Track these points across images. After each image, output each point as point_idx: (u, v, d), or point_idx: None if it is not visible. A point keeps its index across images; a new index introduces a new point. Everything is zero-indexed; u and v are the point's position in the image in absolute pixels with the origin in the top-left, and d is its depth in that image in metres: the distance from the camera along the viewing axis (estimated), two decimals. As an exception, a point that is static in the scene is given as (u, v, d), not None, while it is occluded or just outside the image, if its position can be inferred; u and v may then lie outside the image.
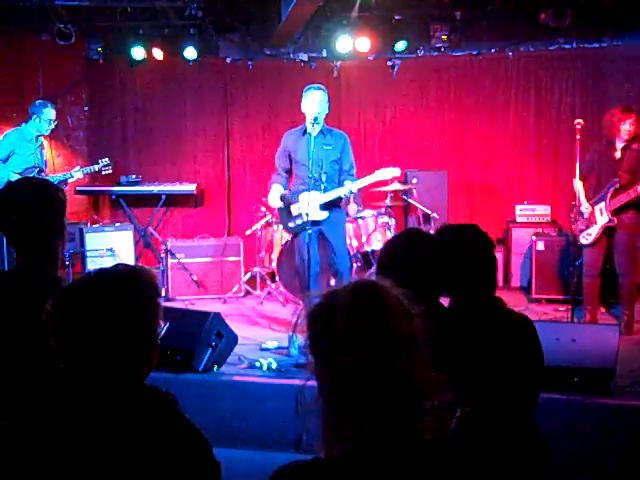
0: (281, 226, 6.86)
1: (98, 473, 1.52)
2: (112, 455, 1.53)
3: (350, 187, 5.43)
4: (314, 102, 5.43)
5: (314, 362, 1.35)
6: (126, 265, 1.71)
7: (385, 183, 6.99)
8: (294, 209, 5.68)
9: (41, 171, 6.45)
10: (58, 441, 1.53)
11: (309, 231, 5.28)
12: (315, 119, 5.32)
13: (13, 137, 6.49)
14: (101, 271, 1.67)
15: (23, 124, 6.52)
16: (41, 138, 6.60)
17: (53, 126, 6.53)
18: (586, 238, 5.84)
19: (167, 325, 1.72)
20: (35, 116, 6.42)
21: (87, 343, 1.56)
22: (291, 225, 5.75)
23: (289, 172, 5.78)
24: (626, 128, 5.62)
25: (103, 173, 7.09)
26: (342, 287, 1.36)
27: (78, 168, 6.84)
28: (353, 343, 1.27)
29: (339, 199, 5.59)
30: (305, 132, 5.36)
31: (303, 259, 5.43)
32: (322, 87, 5.54)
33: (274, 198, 5.78)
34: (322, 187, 5.45)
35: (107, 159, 7.02)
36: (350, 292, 1.33)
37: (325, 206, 5.50)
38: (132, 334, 1.59)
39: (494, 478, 1.34)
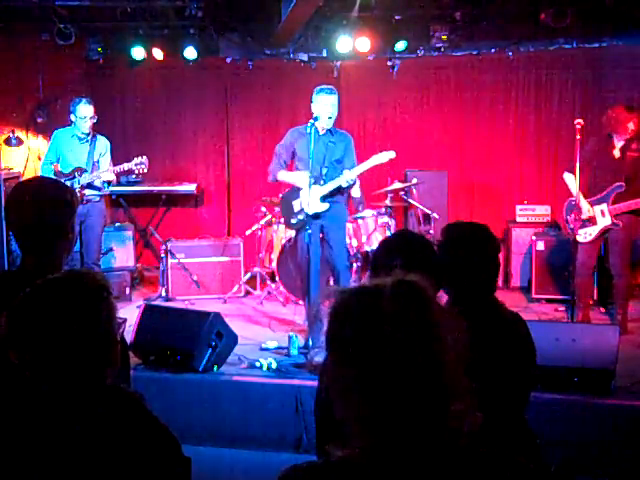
0: (281, 226, 6.88)
1: (67, 474, 1.54)
2: (79, 456, 1.55)
3: (349, 175, 5.41)
4: (327, 105, 5.41)
5: (335, 362, 1.30)
6: (73, 270, 1.74)
7: (385, 184, 7.01)
8: (296, 205, 5.68)
9: (82, 171, 6.05)
10: (27, 446, 1.55)
11: (309, 231, 5.28)
12: (315, 119, 5.33)
13: (57, 138, 6.21)
14: (48, 281, 1.67)
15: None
16: (88, 137, 6.17)
17: (89, 123, 6.10)
18: (584, 237, 5.79)
19: (126, 320, 1.76)
20: (72, 114, 6.11)
21: (46, 353, 1.59)
22: (293, 221, 5.74)
23: (287, 166, 5.77)
24: (631, 127, 5.69)
25: (136, 172, 6.26)
26: (382, 285, 1.30)
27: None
28: (398, 343, 1.24)
29: (339, 192, 5.56)
30: (312, 131, 5.35)
31: (304, 258, 5.44)
32: (335, 90, 5.54)
33: (286, 174, 5.65)
34: (321, 181, 5.46)
35: (144, 157, 6.19)
36: (395, 292, 1.29)
37: (326, 198, 5.51)
38: (88, 337, 1.62)
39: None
